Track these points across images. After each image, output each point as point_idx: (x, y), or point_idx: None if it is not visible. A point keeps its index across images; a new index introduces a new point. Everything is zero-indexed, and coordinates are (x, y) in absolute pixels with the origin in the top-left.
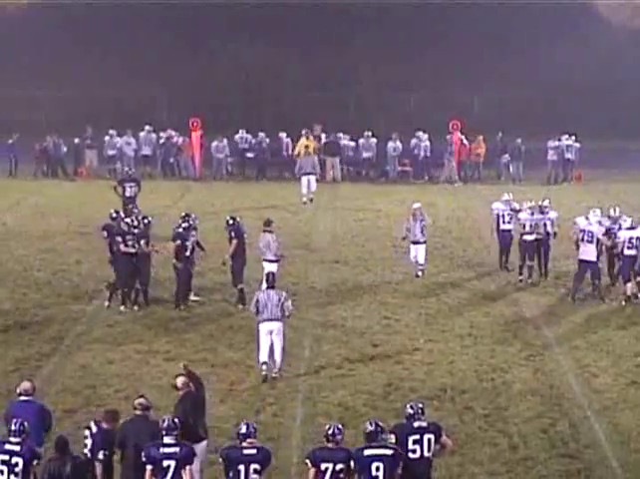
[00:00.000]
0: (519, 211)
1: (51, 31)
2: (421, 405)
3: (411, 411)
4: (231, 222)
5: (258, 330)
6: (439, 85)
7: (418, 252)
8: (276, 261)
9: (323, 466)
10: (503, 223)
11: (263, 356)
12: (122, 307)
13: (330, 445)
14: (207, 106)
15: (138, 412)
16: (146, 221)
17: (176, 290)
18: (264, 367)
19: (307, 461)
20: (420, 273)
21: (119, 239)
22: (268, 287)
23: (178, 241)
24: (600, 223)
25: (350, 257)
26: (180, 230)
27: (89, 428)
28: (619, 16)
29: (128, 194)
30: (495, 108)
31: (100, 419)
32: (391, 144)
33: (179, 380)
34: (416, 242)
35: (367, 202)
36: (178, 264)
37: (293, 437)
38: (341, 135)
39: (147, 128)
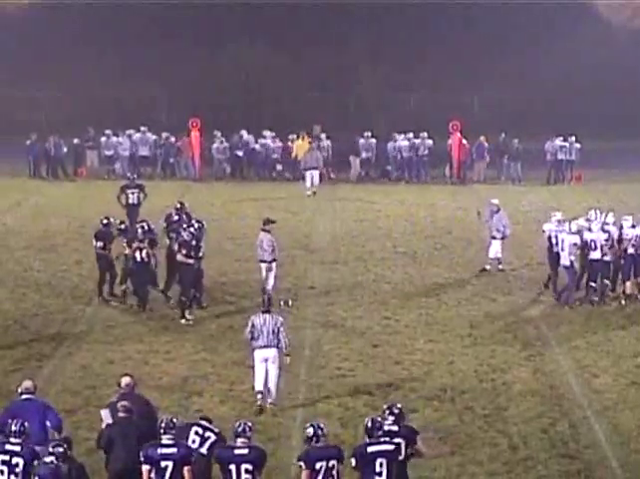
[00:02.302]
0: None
1: (51, 31)
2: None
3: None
4: (146, 227)
5: (253, 357)
6: (439, 85)
7: (496, 247)
8: (268, 262)
9: (318, 465)
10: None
11: (259, 385)
12: (183, 321)
13: (319, 444)
14: (207, 106)
15: (121, 414)
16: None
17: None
18: (259, 397)
19: (301, 463)
20: (500, 266)
21: (184, 250)
22: (264, 312)
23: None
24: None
25: (350, 258)
26: (192, 230)
27: (205, 428)
28: (619, 16)
29: (130, 201)
30: (496, 108)
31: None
32: (390, 144)
33: (124, 380)
34: (492, 237)
35: (367, 202)
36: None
37: (293, 437)
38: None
39: (142, 129)
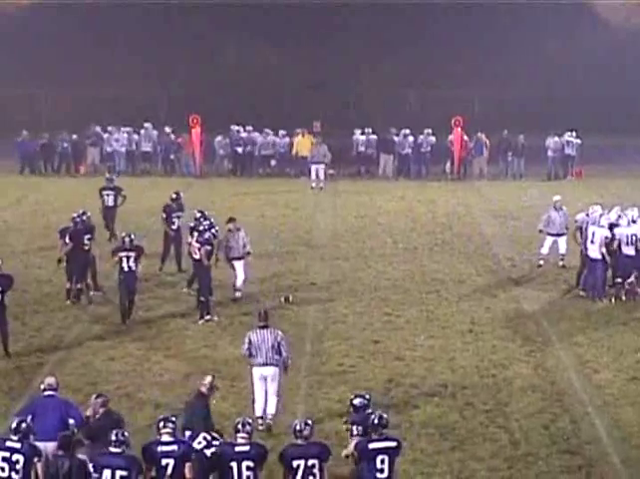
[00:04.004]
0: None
1: (52, 31)
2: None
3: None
4: (132, 237)
5: (252, 375)
6: (439, 82)
7: (559, 244)
8: (236, 259)
9: (295, 463)
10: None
11: (259, 410)
12: (208, 316)
13: (300, 441)
14: (208, 104)
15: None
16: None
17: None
18: (260, 421)
19: (280, 461)
20: (564, 263)
21: (204, 250)
22: (261, 327)
23: (207, 247)
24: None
25: (351, 254)
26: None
27: (214, 437)
28: (616, 16)
29: (106, 203)
30: (496, 105)
31: None
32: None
33: (208, 379)
34: (558, 234)
35: (367, 198)
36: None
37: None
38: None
39: (146, 125)
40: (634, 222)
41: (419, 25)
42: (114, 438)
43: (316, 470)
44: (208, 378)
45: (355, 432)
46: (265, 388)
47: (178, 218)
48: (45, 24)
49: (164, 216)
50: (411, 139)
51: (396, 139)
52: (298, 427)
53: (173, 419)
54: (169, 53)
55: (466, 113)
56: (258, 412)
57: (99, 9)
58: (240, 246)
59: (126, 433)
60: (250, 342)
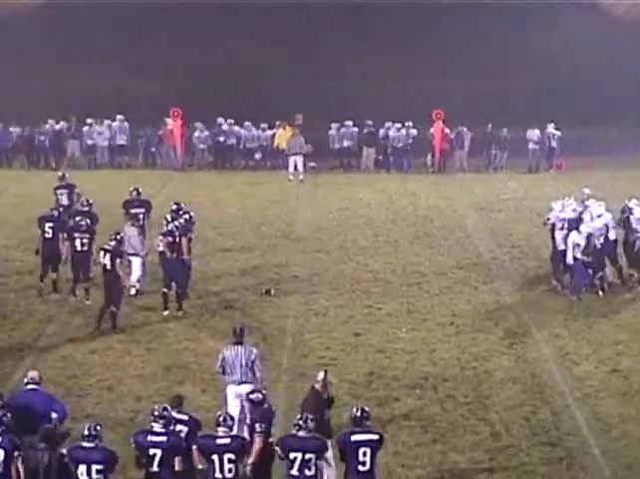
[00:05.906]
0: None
1: (40, 27)
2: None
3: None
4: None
5: (226, 393)
6: (423, 75)
7: None
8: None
9: (292, 455)
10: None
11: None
12: (181, 312)
13: (301, 434)
14: (188, 97)
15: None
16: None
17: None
18: None
19: (277, 448)
20: None
21: (166, 241)
22: (235, 343)
23: (169, 238)
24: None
25: (332, 246)
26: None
27: (176, 421)
28: (599, 8)
29: (61, 202)
30: (477, 97)
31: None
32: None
33: (321, 375)
34: None
35: (348, 191)
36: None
37: (275, 426)
38: (370, 123)
39: (119, 117)
40: (599, 216)
41: (402, 18)
42: (86, 432)
43: (312, 464)
44: (321, 374)
45: (259, 429)
46: (241, 406)
47: (136, 214)
48: (34, 22)
49: (124, 211)
50: (334, 132)
51: (391, 132)
52: (301, 421)
53: (168, 410)
54: (148, 45)
55: (447, 105)
56: None
57: (97, 8)
58: (137, 244)
59: (98, 427)
60: (224, 359)
